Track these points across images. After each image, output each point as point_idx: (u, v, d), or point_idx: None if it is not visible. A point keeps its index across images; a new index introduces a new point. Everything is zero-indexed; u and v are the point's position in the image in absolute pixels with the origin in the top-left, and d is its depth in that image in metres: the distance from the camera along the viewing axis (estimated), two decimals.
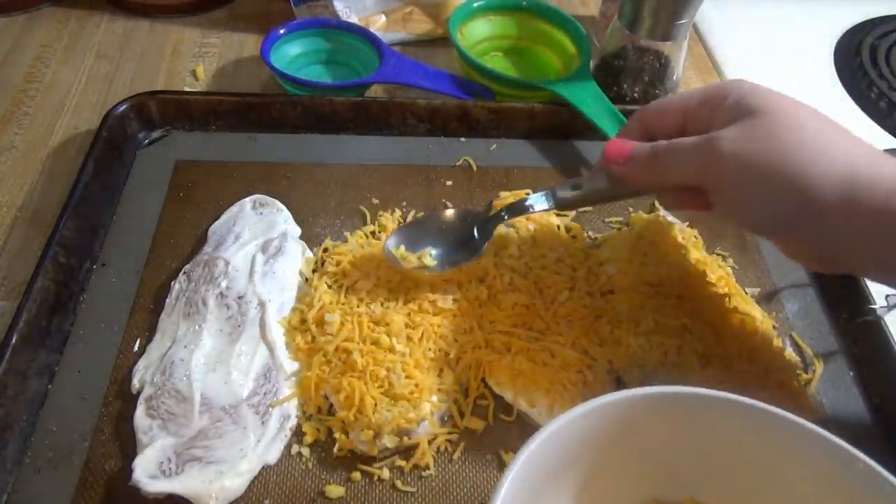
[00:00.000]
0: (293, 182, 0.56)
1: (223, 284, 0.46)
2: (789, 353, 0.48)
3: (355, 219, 0.55)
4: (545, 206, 0.46)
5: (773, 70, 0.76)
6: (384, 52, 0.64)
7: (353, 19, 0.69)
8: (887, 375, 0.47)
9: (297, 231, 0.51)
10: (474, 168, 0.59)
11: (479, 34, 0.70)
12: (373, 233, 0.53)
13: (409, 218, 0.54)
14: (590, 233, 0.55)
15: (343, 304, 0.46)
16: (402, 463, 0.41)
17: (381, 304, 0.46)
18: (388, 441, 0.40)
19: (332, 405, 0.43)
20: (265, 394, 0.42)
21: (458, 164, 0.59)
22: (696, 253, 0.52)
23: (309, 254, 0.51)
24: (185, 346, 0.43)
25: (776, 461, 0.34)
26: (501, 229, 0.52)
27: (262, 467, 0.40)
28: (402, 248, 0.47)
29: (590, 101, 0.60)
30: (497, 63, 0.71)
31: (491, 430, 0.44)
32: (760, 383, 0.44)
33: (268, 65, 0.61)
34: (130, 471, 0.37)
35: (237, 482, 0.39)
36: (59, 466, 0.40)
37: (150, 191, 0.54)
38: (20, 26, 0.70)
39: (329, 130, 0.60)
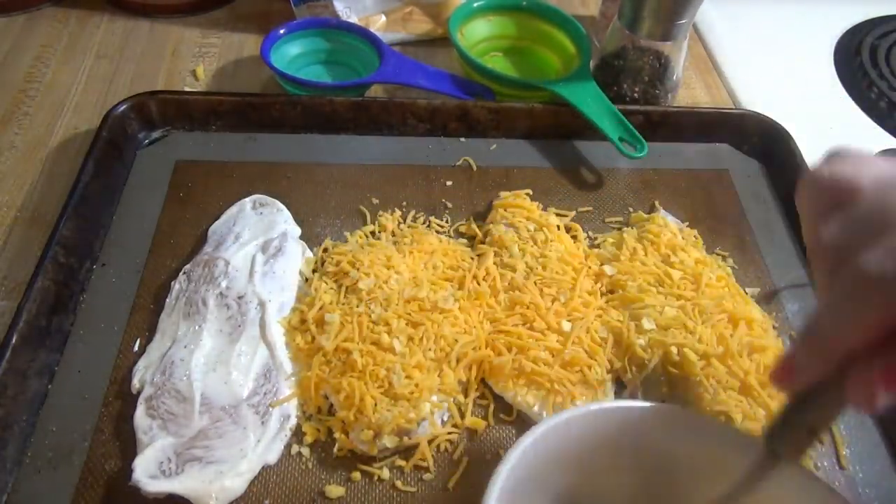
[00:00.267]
0: (293, 182, 0.56)
1: (223, 284, 0.46)
2: None
3: (355, 219, 0.55)
4: (762, 471, 0.32)
5: (773, 70, 0.76)
6: (384, 52, 0.64)
7: (353, 19, 0.69)
8: None
9: (297, 231, 0.51)
10: (474, 168, 0.59)
11: (479, 34, 0.70)
12: (373, 233, 0.53)
13: (409, 218, 0.54)
14: (590, 233, 0.55)
15: (343, 304, 0.46)
16: (402, 463, 0.41)
17: (381, 304, 0.46)
18: (388, 441, 0.40)
19: (332, 405, 0.43)
20: (265, 394, 0.42)
21: (458, 164, 0.59)
22: (696, 253, 0.52)
23: (309, 254, 0.51)
24: (185, 346, 0.43)
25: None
26: (501, 229, 0.52)
27: (262, 467, 0.40)
28: None
29: (590, 101, 0.60)
30: (497, 63, 0.71)
31: (491, 430, 0.44)
32: (760, 383, 0.44)
33: (268, 65, 0.61)
34: (130, 471, 0.37)
35: (237, 482, 0.39)
36: (59, 466, 0.40)
37: (150, 191, 0.54)
38: (20, 26, 0.70)
39: (329, 130, 0.60)
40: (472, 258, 0.51)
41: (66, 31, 0.71)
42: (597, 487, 0.36)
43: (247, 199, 0.53)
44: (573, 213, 0.56)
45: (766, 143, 0.63)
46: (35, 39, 0.69)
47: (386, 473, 0.41)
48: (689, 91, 0.73)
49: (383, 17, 0.71)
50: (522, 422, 0.44)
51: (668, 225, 0.53)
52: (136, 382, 0.43)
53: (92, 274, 0.49)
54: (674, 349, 0.45)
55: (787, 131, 0.62)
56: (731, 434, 0.36)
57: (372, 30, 0.68)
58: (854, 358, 0.27)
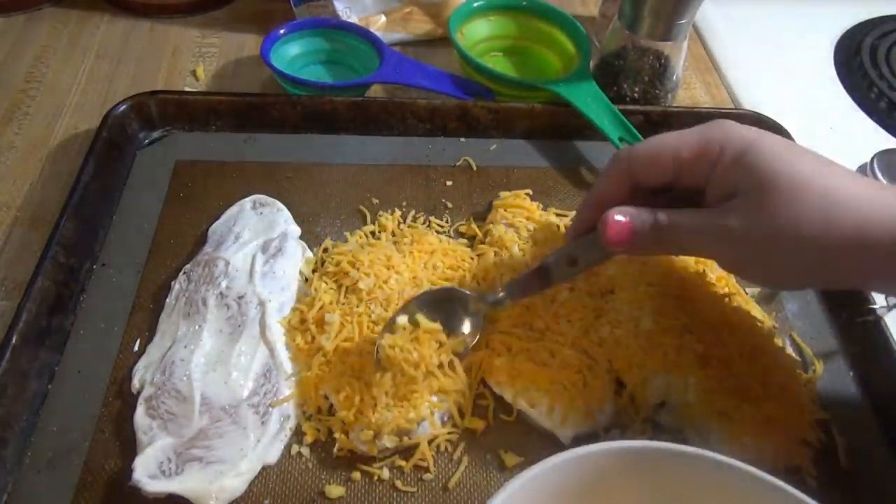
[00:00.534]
0: (293, 182, 0.56)
1: (223, 284, 0.46)
2: (789, 353, 0.48)
3: (355, 219, 0.55)
4: (543, 283, 0.44)
5: (773, 70, 0.76)
6: (384, 52, 0.64)
7: (353, 19, 0.69)
8: (887, 375, 0.47)
9: (297, 231, 0.51)
10: (474, 168, 0.59)
11: (479, 34, 0.70)
12: (373, 233, 0.53)
13: (409, 218, 0.54)
14: None
15: (343, 304, 0.46)
16: (402, 463, 0.41)
17: (381, 304, 0.46)
18: (388, 441, 0.40)
19: (332, 405, 0.43)
20: (265, 394, 0.42)
21: (458, 164, 0.59)
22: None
23: (309, 254, 0.51)
24: (185, 346, 0.43)
25: None
26: (501, 229, 0.52)
27: (262, 467, 0.40)
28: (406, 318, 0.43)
29: (590, 101, 0.60)
30: (497, 63, 0.71)
31: (491, 430, 0.44)
32: (760, 383, 0.44)
33: (268, 65, 0.61)
34: (130, 471, 0.37)
35: (237, 482, 0.39)
36: (59, 466, 0.40)
37: (150, 191, 0.54)
38: (20, 26, 0.70)
39: (329, 130, 0.60)
40: (472, 258, 0.51)
41: (66, 31, 0.71)
42: None
43: (247, 199, 0.53)
44: (573, 213, 0.56)
45: None
46: (35, 39, 0.69)
47: (386, 473, 0.41)
48: (689, 91, 0.73)
49: (383, 17, 0.71)
50: (522, 422, 0.44)
51: None
52: (136, 382, 0.43)
53: (92, 274, 0.49)
54: (674, 349, 0.45)
55: (787, 131, 0.62)
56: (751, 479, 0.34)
57: (372, 30, 0.68)
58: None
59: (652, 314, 0.47)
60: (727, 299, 0.48)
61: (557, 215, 0.55)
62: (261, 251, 0.48)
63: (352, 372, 0.42)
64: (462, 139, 0.61)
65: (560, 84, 0.61)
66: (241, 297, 0.46)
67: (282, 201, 0.53)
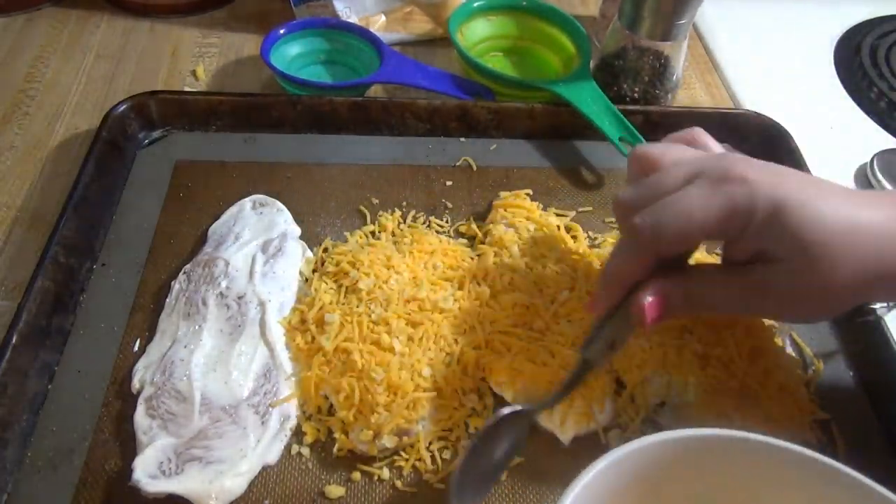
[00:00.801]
0: (293, 182, 0.56)
1: (223, 284, 0.46)
2: (789, 353, 0.48)
3: (355, 219, 0.55)
4: (585, 373, 0.41)
5: (773, 70, 0.76)
6: (384, 52, 0.64)
7: (353, 19, 0.69)
8: (887, 375, 0.47)
9: (297, 231, 0.51)
10: (474, 168, 0.59)
11: (479, 34, 0.70)
12: (373, 233, 0.53)
13: (409, 218, 0.54)
14: (590, 233, 0.55)
15: (343, 304, 0.46)
16: (402, 463, 0.41)
17: (381, 304, 0.46)
18: (388, 441, 0.40)
19: (332, 405, 0.43)
20: (265, 394, 0.42)
21: (458, 164, 0.59)
22: (696, 253, 0.52)
23: (309, 254, 0.51)
24: (185, 346, 0.43)
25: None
26: (501, 229, 0.52)
27: (262, 467, 0.40)
28: None
29: (590, 101, 0.60)
30: (497, 63, 0.71)
31: None
32: (760, 384, 0.44)
33: (268, 65, 0.61)
34: (130, 471, 0.37)
35: (237, 482, 0.39)
36: (59, 466, 0.40)
37: (150, 191, 0.54)
38: (20, 26, 0.70)
39: (329, 130, 0.60)
40: (472, 258, 0.51)
41: (66, 31, 0.71)
42: None
43: (247, 199, 0.53)
44: (573, 213, 0.56)
45: (766, 143, 0.63)
46: (35, 39, 0.69)
47: (386, 473, 0.41)
48: (689, 91, 0.73)
49: (383, 17, 0.71)
50: None
51: None
52: (136, 382, 0.43)
53: (92, 274, 0.49)
54: (674, 349, 0.45)
55: (787, 131, 0.62)
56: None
57: (372, 30, 0.68)
58: (635, 287, 0.39)
59: None
60: None
61: (557, 215, 0.55)
62: (261, 251, 0.48)
63: (351, 372, 0.42)
64: (462, 139, 0.61)
65: (560, 84, 0.61)
66: (241, 297, 0.46)
67: (282, 201, 0.53)
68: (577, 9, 0.81)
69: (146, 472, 0.38)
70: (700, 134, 0.42)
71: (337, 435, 0.42)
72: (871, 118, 0.72)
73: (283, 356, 0.44)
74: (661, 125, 0.62)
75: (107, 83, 0.65)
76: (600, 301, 0.40)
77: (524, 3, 0.70)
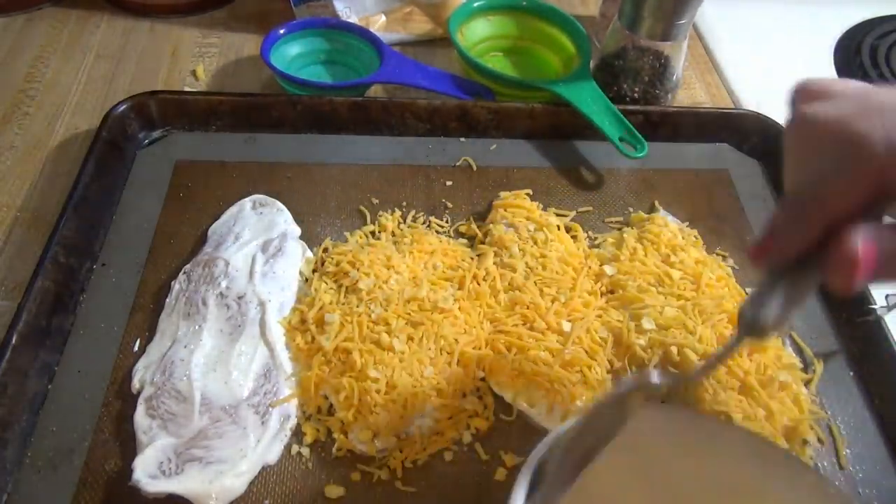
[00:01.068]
0: (293, 182, 0.56)
1: (223, 284, 0.46)
2: (789, 353, 0.48)
3: (355, 219, 0.55)
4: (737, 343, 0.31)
5: (773, 70, 0.76)
6: (384, 52, 0.64)
7: (353, 19, 0.69)
8: (887, 375, 0.47)
9: (297, 231, 0.51)
10: (474, 168, 0.59)
11: (479, 34, 0.70)
12: (373, 233, 0.53)
13: (409, 218, 0.54)
14: (590, 233, 0.55)
15: (343, 304, 0.46)
16: (401, 463, 0.41)
17: (381, 304, 0.46)
18: (387, 441, 0.40)
19: (332, 405, 0.43)
20: (265, 394, 0.42)
21: (458, 164, 0.59)
22: (696, 253, 0.52)
23: (309, 254, 0.51)
24: (185, 346, 0.43)
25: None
26: (501, 229, 0.52)
27: (262, 467, 0.40)
28: None
29: (590, 101, 0.60)
30: (497, 63, 0.71)
31: (491, 430, 0.44)
32: (760, 383, 0.44)
33: (268, 65, 0.61)
34: (130, 471, 0.37)
35: (237, 482, 0.39)
36: (59, 466, 0.40)
37: (150, 191, 0.54)
38: (20, 26, 0.70)
39: (329, 130, 0.60)
40: (472, 258, 0.51)
41: (66, 31, 0.70)
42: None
43: (247, 199, 0.53)
44: (573, 213, 0.56)
45: (766, 143, 0.63)
46: (35, 39, 0.69)
47: (386, 473, 0.41)
48: (689, 91, 0.73)
49: (383, 17, 0.71)
50: (522, 422, 0.44)
51: (668, 225, 0.53)
52: (136, 382, 0.43)
53: (92, 274, 0.49)
54: (674, 349, 0.45)
55: None
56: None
57: (372, 30, 0.68)
58: (833, 230, 0.26)
59: (652, 314, 0.47)
60: (727, 299, 0.48)
61: (557, 215, 0.55)
62: (261, 251, 0.48)
63: (351, 372, 0.42)
64: (462, 139, 0.61)
65: (560, 84, 0.61)
66: (241, 297, 0.46)
67: (282, 201, 0.53)
68: (577, 9, 0.81)
69: (146, 472, 0.38)
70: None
71: (336, 435, 0.42)
72: None
73: (283, 356, 0.44)
74: (661, 125, 0.62)
75: (107, 83, 0.65)
76: (782, 239, 0.28)
77: (524, 3, 0.70)
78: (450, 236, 0.54)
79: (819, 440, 0.45)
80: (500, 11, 0.70)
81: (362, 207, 0.55)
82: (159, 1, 0.72)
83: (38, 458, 0.40)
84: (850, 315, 0.51)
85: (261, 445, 0.40)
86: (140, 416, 0.40)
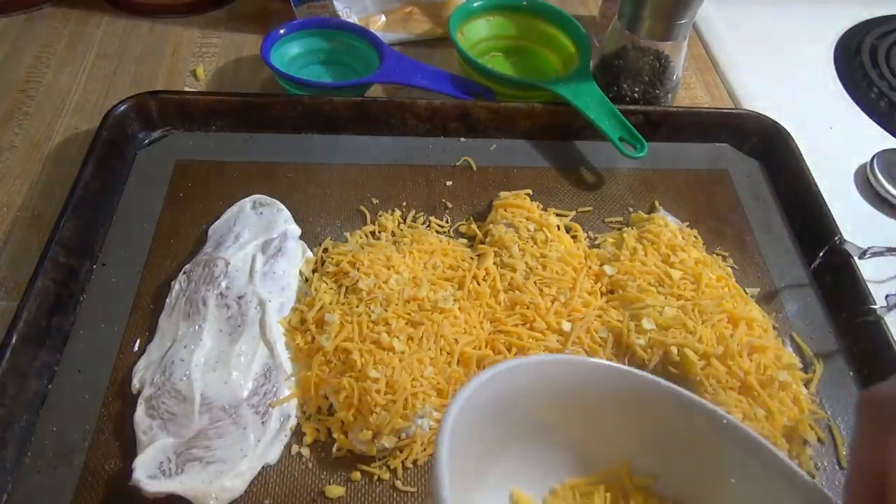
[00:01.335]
0: (293, 182, 0.56)
1: (223, 284, 0.46)
2: (789, 353, 0.48)
3: (355, 219, 0.55)
4: None
5: (773, 70, 0.76)
6: (384, 52, 0.64)
7: (353, 19, 0.69)
8: (887, 375, 0.47)
9: (297, 231, 0.51)
10: (474, 168, 0.59)
11: (479, 34, 0.70)
12: (373, 233, 0.53)
13: (409, 218, 0.54)
14: (590, 233, 0.55)
15: (343, 304, 0.46)
16: (402, 463, 0.41)
17: (381, 304, 0.46)
18: (387, 441, 0.40)
19: (332, 405, 0.43)
20: (265, 394, 0.42)
21: (458, 164, 0.59)
22: (696, 253, 0.52)
23: (309, 254, 0.51)
24: (185, 346, 0.43)
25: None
26: (501, 229, 0.52)
27: (262, 467, 0.40)
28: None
29: (590, 101, 0.60)
30: (497, 63, 0.71)
31: None
32: (760, 383, 0.44)
33: (268, 65, 0.61)
34: (130, 471, 0.37)
35: (237, 482, 0.39)
36: (59, 466, 0.40)
37: (150, 191, 0.54)
38: (20, 26, 0.70)
39: (329, 130, 0.60)
40: (472, 258, 0.51)
41: (66, 31, 0.70)
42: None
43: (247, 199, 0.53)
44: (573, 213, 0.56)
45: (766, 143, 0.63)
46: (35, 39, 0.69)
47: (386, 473, 0.41)
48: (689, 91, 0.73)
49: (383, 17, 0.71)
50: None
51: (668, 225, 0.53)
52: (136, 382, 0.43)
53: (92, 274, 0.49)
54: (674, 349, 0.45)
55: (787, 131, 0.62)
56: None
57: (372, 30, 0.68)
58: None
59: (652, 314, 0.47)
60: (727, 299, 0.48)
61: (557, 215, 0.55)
62: (261, 251, 0.48)
63: (351, 372, 0.42)
64: (462, 139, 0.61)
65: (560, 84, 0.61)
66: (241, 297, 0.46)
67: (282, 201, 0.53)
68: (577, 9, 0.81)
69: (146, 472, 0.38)
70: None
71: (336, 435, 0.42)
72: (871, 118, 0.72)
73: (283, 356, 0.44)
74: (661, 125, 0.62)
75: (107, 83, 0.65)
76: None
77: (524, 3, 0.70)
78: (450, 236, 0.54)
79: (819, 440, 0.45)
80: (500, 11, 0.70)
81: (362, 207, 0.55)
82: (159, 1, 0.72)
83: (38, 458, 0.40)
84: (850, 315, 0.51)
85: (261, 445, 0.40)
86: (140, 416, 0.40)
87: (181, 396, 0.41)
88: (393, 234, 0.53)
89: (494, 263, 0.50)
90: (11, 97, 0.63)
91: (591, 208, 0.57)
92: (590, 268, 0.50)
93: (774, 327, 0.49)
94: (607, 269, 0.50)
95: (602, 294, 0.50)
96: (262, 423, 0.41)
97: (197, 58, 0.69)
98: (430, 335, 0.45)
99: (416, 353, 0.43)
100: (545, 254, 0.50)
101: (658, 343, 0.45)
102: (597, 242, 0.54)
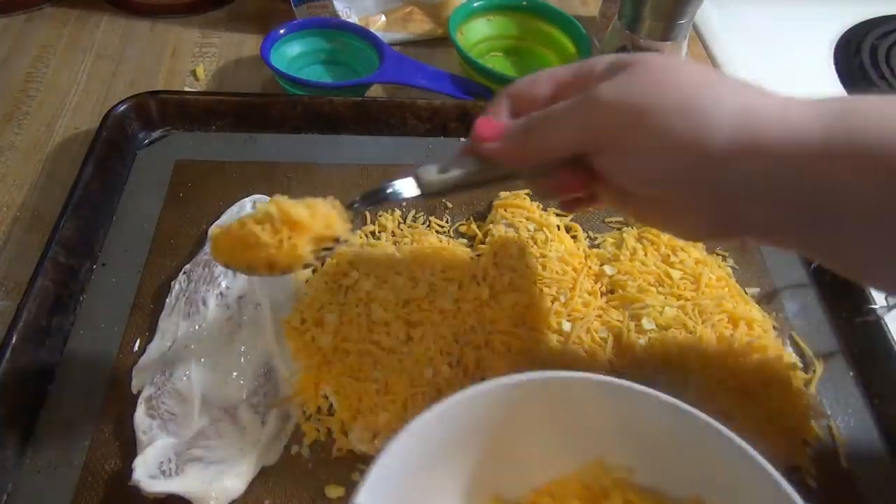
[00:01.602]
0: (293, 182, 0.56)
1: (223, 284, 0.46)
2: (789, 353, 0.48)
3: (355, 219, 0.54)
4: (412, 192, 0.39)
5: (773, 70, 0.76)
6: (384, 52, 0.64)
7: (353, 19, 0.69)
8: (887, 375, 0.47)
9: None
10: None
11: (479, 34, 0.70)
12: (372, 233, 0.53)
13: (409, 218, 0.55)
14: (590, 233, 0.55)
15: (343, 304, 0.46)
16: None
17: (381, 304, 0.46)
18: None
19: (331, 405, 0.43)
20: (265, 394, 0.42)
21: None
22: (696, 253, 0.52)
23: None
24: (185, 346, 0.43)
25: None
26: (501, 229, 0.52)
27: (262, 467, 0.40)
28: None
29: None
30: (497, 63, 0.71)
31: None
32: (760, 383, 0.44)
33: (268, 65, 0.61)
34: (130, 471, 0.37)
35: (237, 482, 0.39)
36: (59, 466, 0.40)
37: (150, 191, 0.54)
38: (20, 26, 0.70)
39: (329, 130, 0.60)
40: (472, 258, 0.51)
41: (66, 31, 0.71)
42: (503, 471, 0.36)
43: (247, 199, 0.53)
44: (573, 213, 0.56)
45: None
46: (35, 39, 0.69)
47: None
48: None
49: (383, 17, 0.71)
50: None
51: None
52: (136, 382, 0.43)
53: (92, 274, 0.49)
54: (674, 349, 0.45)
55: None
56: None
57: (372, 30, 0.68)
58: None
59: (652, 314, 0.47)
60: (727, 299, 0.48)
61: (557, 215, 0.55)
62: None
63: (351, 372, 0.42)
64: (462, 139, 0.61)
65: None
66: (241, 298, 0.46)
67: None
68: (577, 9, 0.81)
69: (146, 472, 0.38)
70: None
71: (336, 435, 0.42)
72: None
73: (283, 356, 0.44)
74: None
75: (107, 83, 0.65)
76: (505, 149, 0.36)
77: (524, 3, 0.70)
78: (450, 236, 0.54)
79: (819, 440, 0.45)
80: (500, 11, 0.70)
81: None
82: (159, 1, 0.72)
83: (38, 458, 0.40)
84: (850, 315, 0.51)
85: (261, 445, 0.40)
86: (140, 416, 0.40)
87: (181, 396, 0.41)
88: (393, 234, 0.53)
89: (494, 263, 0.50)
90: (11, 97, 0.63)
91: (591, 208, 0.57)
92: (590, 268, 0.51)
93: (774, 327, 0.49)
94: (607, 269, 0.50)
95: (602, 294, 0.50)
96: (262, 423, 0.41)
97: (197, 58, 0.69)
98: (430, 335, 0.45)
99: (415, 353, 0.43)
100: (545, 254, 0.50)
101: (658, 343, 0.45)
102: (597, 242, 0.54)
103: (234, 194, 0.54)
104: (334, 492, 0.40)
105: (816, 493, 0.42)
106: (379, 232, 0.53)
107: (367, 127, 0.60)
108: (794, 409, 0.44)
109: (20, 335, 0.42)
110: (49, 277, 0.45)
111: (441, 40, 0.72)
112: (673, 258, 0.50)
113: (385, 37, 0.68)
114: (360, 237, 0.52)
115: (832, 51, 0.80)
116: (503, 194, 0.55)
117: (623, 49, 0.62)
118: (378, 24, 0.70)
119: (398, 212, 0.55)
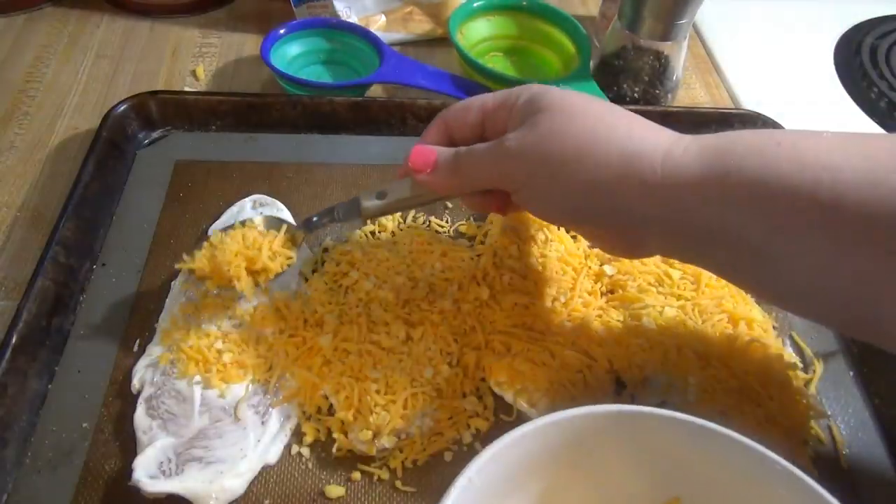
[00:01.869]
0: (293, 182, 0.56)
1: None
2: (789, 353, 0.48)
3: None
4: (353, 217, 0.44)
5: (773, 70, 0.76)
6: (384, 52, 0.64)
7: (353, 19, 0.69)
8: (887, 375, 0.47)
9: None
10: None
11: (479, 34, 0.70)
12: (372, 233, 0.53)
13: (409, 218, 0.55)
14: None
15: (343, 304, 0.46)
16: (402, 463, 0.41)
17: (381, 305, 0.46)
18: (387, 441, 0.40)
19: (332, 405, 0.43)
20: (265, 394, 0.42)
21: None
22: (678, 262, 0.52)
23: (309, 254, 0.51)
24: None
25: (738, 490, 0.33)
26: (501, 230, 0.52)
27: (262, 467, 0.40)
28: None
29: None
30: (497, 63, 0.71)
31: (491, 430, 0.44)
32: (760, 383, 0.44)
33: (268, 65, 0.61)
34: (130, 471, 0.37)
35: (237, 482, 0.39)
36: (59, 466, 0.40)
37: (150, 191, 0.54)
38: (20, 26, 0.70)
39: (329, 130, 0.60)
40: (472, 258, 0.51)
41: (66, 31, 0.71)
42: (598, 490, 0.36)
43: (247, 199, 0.53)
44: None
45: None
46: (35, 39, 0.69)
47: (386, 473, 0.41)
48: (689, 91, 0.73)
49: (383, 17, 0.71)
50: (522, 422, 0.44)
51: None
52: (136, 382, 0.43)
53: (92, 274, 0.49)
54: (674, 349, 0.45)
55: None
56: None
57: (372, 30, 0.68)
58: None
59: (652, 314, 0.47)
60: (727, 299, 0.48)
61: None
62: None
63: (351, 372, 0.42)
64: None
65: (560, 84, 0.61)
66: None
67: (282, 201, 0.53)
68: (577, 9, 0.81)
69: (146, 472, 0.38)
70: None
71: (336, 435, 0.42)
72: (872, 118, 0.72)
73: (284, 356, 0.44)
74: (661, 125, 0.62)
75: (107, 83, 0.65)
76: (438, 179, 0.41)
77: (524, 3, 0.70)
78: (450, 236, 0.54)
79: (819, 440, 0.45)
80: (500, 11, 0.70)
81: None
82: (159, 1, 0.72)
83: (38, 458, 0.40)
84: None
85: (261, 445, 0.40)
86: (140, 416, 0.40)
87: (181, 396, 0.41)
88: (393, 234, 0.53)
89: (494, 263, 0.50)
90: (11, 97, 0.63)
91: None
92: (590, 268, 0.50)
93: (774, 327, 0.49)
94: (607, 269, 0.50)
95: (602, 294, 0.50)
96: (262, 423, 0.41)
97: (197, 58, 0.69)
98: (430, 336, 0.45)
99: (415, 353, 0.43)
100: (545, 254, 0.50)
101: (658, 343, 0.45)
102: None
103: (234, 194, 0.54)
104: (334, 492, 0.40)
105: None
106: (379, 232, 0.53)
107: (367, 127, 0.60)
108: (794, 409, 0.44)
109: (20, 335, 0.42)
110: (49, 277, 0.45)
111: (441, 40, 0.72)
112: (671, 260, 0.50)
113: (385, 37, 0.68)
114: (361, 237, 0.52)
115: (832, 51, 0.80)
116: None
117: (623, 49, 0.62)
118: (378, 24, 0.70)
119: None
